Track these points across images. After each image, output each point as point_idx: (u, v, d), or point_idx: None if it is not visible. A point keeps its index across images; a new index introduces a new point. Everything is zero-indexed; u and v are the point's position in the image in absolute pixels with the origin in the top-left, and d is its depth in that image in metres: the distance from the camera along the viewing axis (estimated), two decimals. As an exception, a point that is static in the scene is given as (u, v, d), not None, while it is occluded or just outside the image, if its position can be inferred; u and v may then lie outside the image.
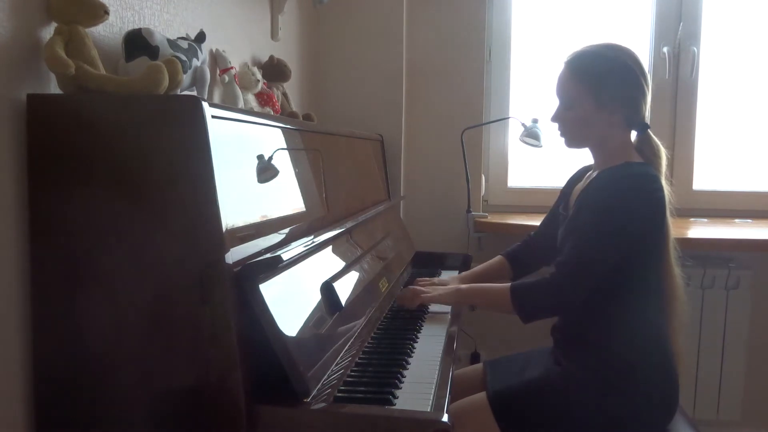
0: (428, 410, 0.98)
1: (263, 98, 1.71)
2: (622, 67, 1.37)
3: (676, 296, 1.41)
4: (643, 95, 1.39)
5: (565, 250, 1.35)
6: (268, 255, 0.99)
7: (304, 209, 1.29)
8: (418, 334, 1.38)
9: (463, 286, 1.57)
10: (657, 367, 1.36)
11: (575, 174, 1.64)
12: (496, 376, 1.51)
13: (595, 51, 1.40)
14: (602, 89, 1.36)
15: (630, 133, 1.44)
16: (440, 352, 1.26)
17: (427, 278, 1.72)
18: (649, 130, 1.43)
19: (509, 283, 1.42)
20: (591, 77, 1.37)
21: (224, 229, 0.91)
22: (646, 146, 1.43)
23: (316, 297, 1.13)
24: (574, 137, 1.45)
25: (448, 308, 1.59)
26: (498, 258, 1.76)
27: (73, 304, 0.95)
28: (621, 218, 1.30)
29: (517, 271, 1.73)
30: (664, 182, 1.37)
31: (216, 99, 1.51)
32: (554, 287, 1.35)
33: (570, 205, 1.52)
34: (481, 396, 1.40)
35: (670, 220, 1.39)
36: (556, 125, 1.46)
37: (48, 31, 0.97)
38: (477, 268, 1.78)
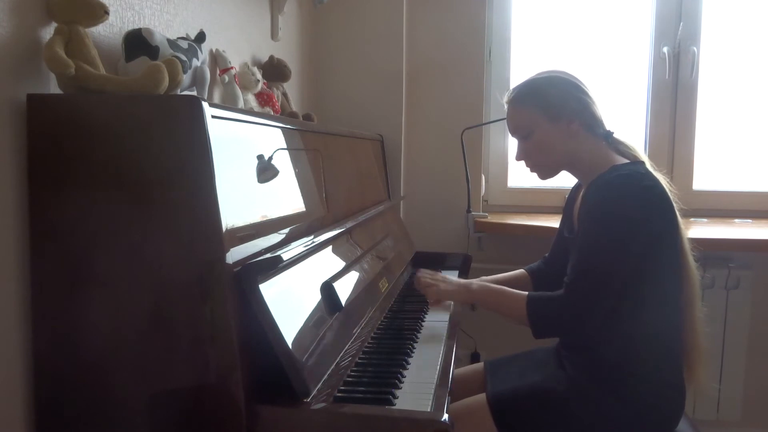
0: (428, 410, 0.98)
1: (263, 98, 1.70)
2: (557, 79, 1.44)
3: (694, 297, 1.39)
4: (590, 99, 1.42)
5: (571, 270, 1.31)
6: (268, 255, 0.99)
7: (304, 209, 1.29)
8: (418, 334, 1.37)
9: (474, 283, 1.52)
10: (665, 377, 1.33)
11: (570, 194, 1.62)
12: (497, 378, 1.50)
13: (527, 81, 1.48)
14: (548, 103, 1.41)
15: (600, 141, 1.43)
16: (440, 352, 1.26)
17: (430, 271, 1.67)
18: (614, 135, 1.44)
19: (526, 292, 1.38)
20: (533, 98, 1.43)
21: (224, 229, 0.91)
22: (620, 147, 1.43)
23: (316, 297, 1.13)
24: (543, 165, 1.47)
25: (447, 311, 1.59)
26: (520, 271, 1.75)
27: (73, 303, 0.94)
28: (621, 224, 1.27)
29: (538, 287, 1.70)
30: (659, 177, 1.35)
31: (216, 99, 1.51)
32: (569, 305, 1.30)
33: (574, 226, 1.50)
34: (481, 398, 1.38)
35: (680, 219, 1.35)
36: (523, 164, 1.49)
37: (48, 31, 0.97)
38: (498, 276, 1.74)
